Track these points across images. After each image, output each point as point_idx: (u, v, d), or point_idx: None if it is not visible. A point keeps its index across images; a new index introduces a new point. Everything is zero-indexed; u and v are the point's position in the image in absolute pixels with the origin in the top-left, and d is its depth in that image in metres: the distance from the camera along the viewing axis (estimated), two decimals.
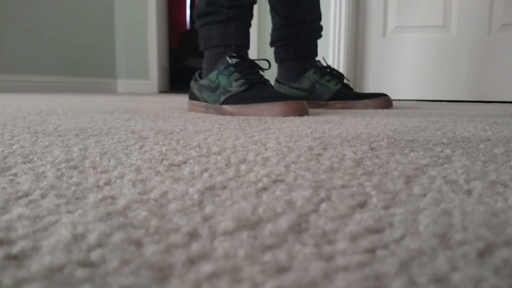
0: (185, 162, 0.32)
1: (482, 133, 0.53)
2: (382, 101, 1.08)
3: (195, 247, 0.15)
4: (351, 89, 1.13)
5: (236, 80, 0.82)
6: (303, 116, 0.78)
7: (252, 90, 0.81)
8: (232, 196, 0.23)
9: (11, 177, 0.26)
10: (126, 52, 3.23)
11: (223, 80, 0.83)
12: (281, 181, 0.26)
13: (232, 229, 0.17)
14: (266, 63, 1.60)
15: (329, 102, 1.10)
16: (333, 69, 1.12)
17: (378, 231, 0.18)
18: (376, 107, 1.07)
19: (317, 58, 1.17)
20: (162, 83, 3.34)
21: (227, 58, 0.84)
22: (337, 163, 0.32)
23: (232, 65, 0.83)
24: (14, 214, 0.19)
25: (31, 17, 2.59)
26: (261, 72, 0.86)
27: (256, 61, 0.83)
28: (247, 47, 0.90)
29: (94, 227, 0.17)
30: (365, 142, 0.44)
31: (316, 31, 1.14)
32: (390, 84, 1.94)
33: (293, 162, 0.32)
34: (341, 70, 1.95)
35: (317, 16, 1.14)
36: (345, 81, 1.96)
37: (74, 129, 0.52)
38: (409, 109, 1.12)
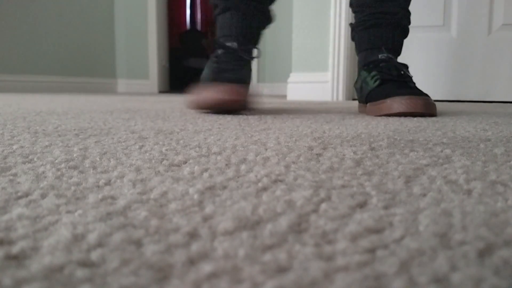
0: (185, 162, 0.32)
1: (482, 133, 0.53)
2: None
3: (195, 247, 0.15)
4: (397, 83, 0.85)
5: (208, 67, 0.84)
6: (236, 106, 0.75)
7: (214, 72, 0.82)
8: (232, 196, 0.23)
9: (11, 177, 0.26)
10: (126, 52, 3.23)
11: (205, 70, 0.87)
12: (281, 181, 0.26)
13: (232, 229, 0.17)
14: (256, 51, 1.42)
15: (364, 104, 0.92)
16: (383, 62, 0.88)
17: (378, 231, 0.18)
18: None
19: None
20: (162, 83, 3.34)
21: (217, 50, 0.86)
22: (337, 163, 0.32)
23: (216, 55, 0.85)
24: (14, 214, 0.19)
25: (31, 17, 2.59)
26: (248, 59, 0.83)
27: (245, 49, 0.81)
28: (246, 35, 0.87)
29: (94, 227, 0.17)
30: (365, 142, 0.44)
31: (384, 15, 0.88)
32: None
33: (293, 162, 0.32)
34: (341, 71, 1.95)
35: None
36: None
37: (74, 129, 0.52)
38: None
